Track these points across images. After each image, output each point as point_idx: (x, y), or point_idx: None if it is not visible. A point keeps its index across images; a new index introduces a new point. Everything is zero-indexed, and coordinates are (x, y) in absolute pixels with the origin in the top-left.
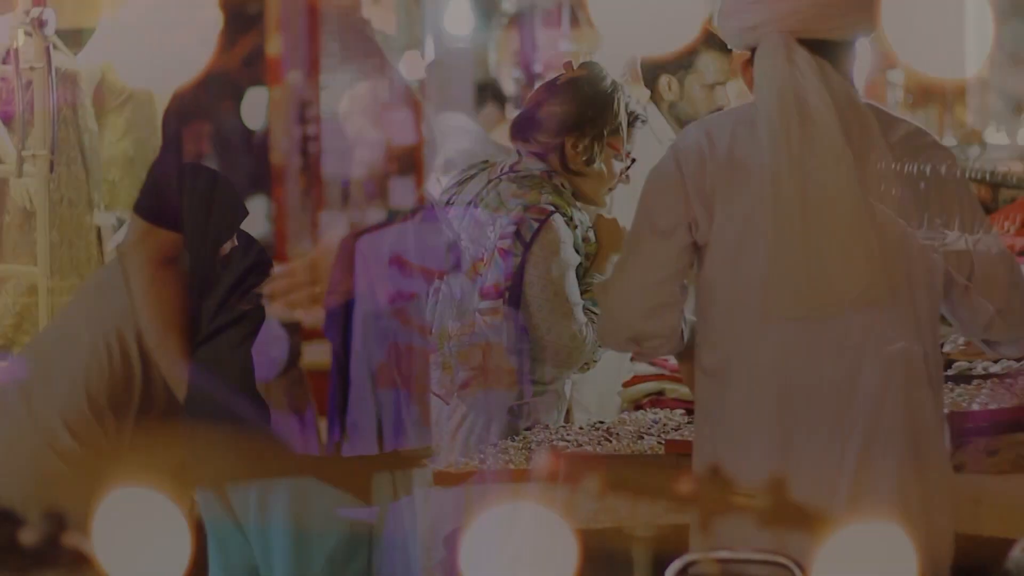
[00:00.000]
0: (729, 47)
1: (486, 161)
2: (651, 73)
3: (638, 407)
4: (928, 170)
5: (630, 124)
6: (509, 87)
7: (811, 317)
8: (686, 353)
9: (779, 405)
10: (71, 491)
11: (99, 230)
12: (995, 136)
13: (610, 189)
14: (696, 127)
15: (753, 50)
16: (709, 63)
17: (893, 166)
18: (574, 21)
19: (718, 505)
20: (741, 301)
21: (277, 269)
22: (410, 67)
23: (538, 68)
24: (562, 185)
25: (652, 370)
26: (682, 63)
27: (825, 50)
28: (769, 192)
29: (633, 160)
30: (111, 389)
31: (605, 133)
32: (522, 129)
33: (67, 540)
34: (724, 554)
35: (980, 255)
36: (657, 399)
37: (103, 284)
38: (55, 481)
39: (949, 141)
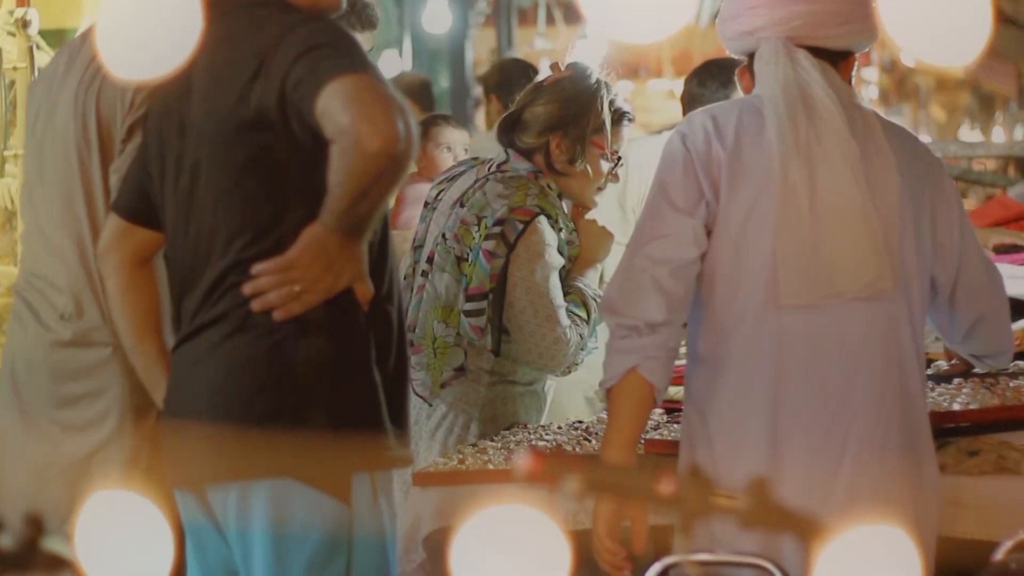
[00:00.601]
0: (728, 52)
1: (476, 158)
2: (691, 106)
3: None
4: (922, 172)
5: (616, 122)
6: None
7: (815, 304)
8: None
9: (774, 394)
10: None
11: None
12: (969, 134)
13: (599, 189)
14: (701, 112)
15: (751, 56)
16: (740, 85)
17: (893, 164)
18: (549, 19)
19: (700, 507)
20: (741, 287)
21: (257, 267)
22: (388, 66)
23: None
24: (548, 186)
25: None
26: (718, 98)
27: (823, 57)
28: (777, 179)
29: (619, 159)
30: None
31: (588, 132)
32: (509, 129)
33: (45, 544)
34: (704, 556)
35: (966, 259)
36: None
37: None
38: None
39: (924, 138)
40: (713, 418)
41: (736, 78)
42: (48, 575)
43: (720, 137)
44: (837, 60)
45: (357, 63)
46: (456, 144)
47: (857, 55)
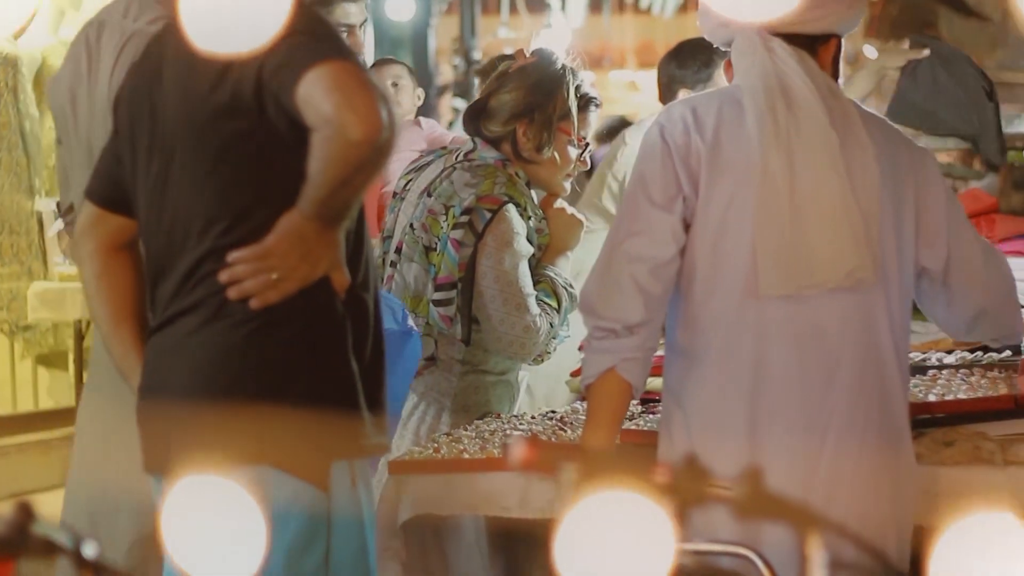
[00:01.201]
0: (712, 44)
1: (444, 148)
2: (670, 88)
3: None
4: (902, 160)
5: (583, 108)
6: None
7: (795, 295)
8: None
9: (753, 385)
10: None
11: (40, 216)
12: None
13: (568, 175)
14: (682, 104)
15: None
16: (725, 78)
17: (872, 153)
18: (513, 8)
19: (695, 496)
20: (721, 279)
21: (233, 255)
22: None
23: (477, 55)
24: (516, 174)
25: None
26: (700, 78)
27: (801, 44)
28: (756, 170)
29: (587, 145)
30: None
31: (554, 118)
32: (475, 118)
33: (37, 530)
34: (686, 545)
35: (956, 242)
36: None
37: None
38: None
39: None
40: (692, 409)
41: (722, 69)
42: (40, 560)
43: (699, 129)
44: (816, 45)
45: (337, 50)
46: (402, 77)
47: (842, 38)
